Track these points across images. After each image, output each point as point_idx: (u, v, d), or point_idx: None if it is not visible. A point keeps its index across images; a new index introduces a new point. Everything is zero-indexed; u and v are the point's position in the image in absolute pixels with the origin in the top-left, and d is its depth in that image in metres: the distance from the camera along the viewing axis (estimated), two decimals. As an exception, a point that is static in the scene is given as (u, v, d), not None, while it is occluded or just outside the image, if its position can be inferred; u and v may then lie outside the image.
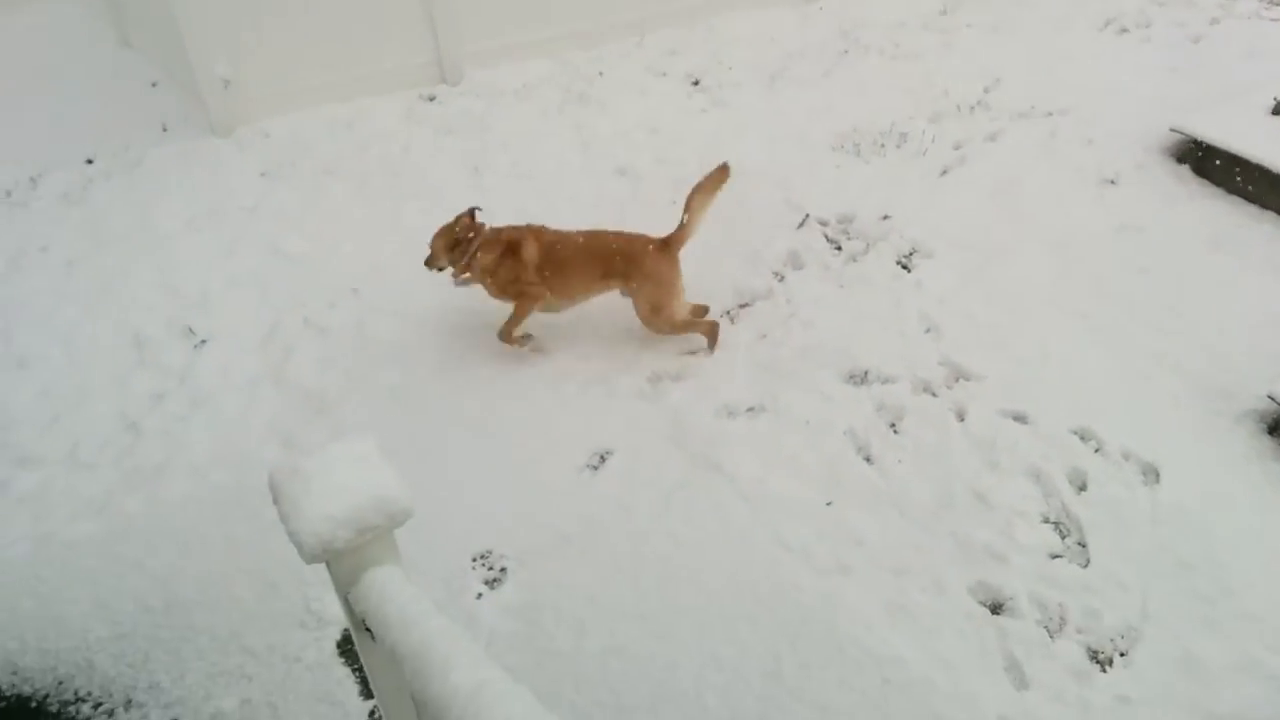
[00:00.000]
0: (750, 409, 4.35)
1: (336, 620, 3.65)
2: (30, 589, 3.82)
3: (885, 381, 4.36)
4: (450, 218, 4.75)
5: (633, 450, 4.24)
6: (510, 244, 4.66)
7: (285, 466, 1.93)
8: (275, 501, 1.92)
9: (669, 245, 4.55)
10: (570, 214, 5.64)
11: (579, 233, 4.72)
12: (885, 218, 5.29)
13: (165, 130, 6.71)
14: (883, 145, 5.88)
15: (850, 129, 6.04)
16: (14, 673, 3.57)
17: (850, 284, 4.93)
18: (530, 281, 4.66)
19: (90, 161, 6.45)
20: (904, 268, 5.00)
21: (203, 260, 5.53)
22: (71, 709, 3.44)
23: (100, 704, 3.45)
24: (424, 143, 6.46)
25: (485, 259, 4.67)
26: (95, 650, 3.61)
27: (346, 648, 3.57)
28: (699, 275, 5.08)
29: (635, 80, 6.92)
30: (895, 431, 4.14)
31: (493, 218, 5.64)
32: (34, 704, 3.47)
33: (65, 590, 3.80)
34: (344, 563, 1.94)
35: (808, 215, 5.35)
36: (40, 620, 3.72)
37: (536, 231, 4.72)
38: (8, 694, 3.51)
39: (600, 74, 6.99)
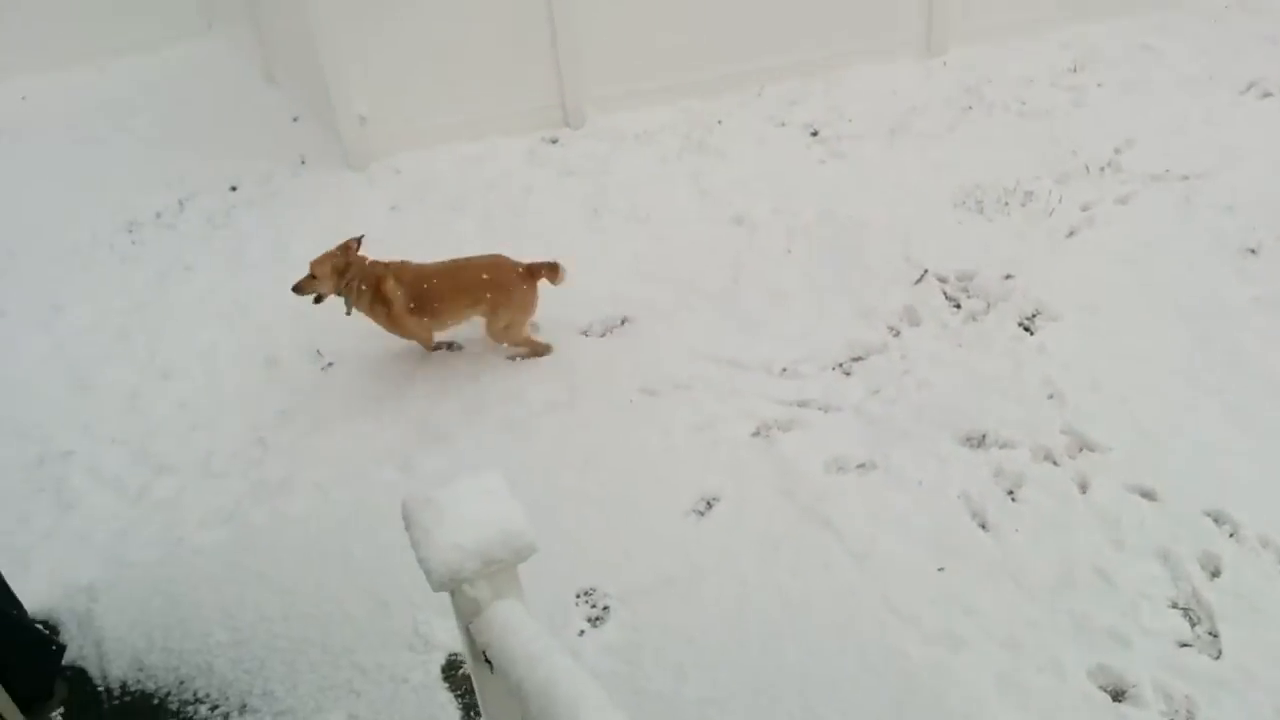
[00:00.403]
0: (861, 465, 4.31)
1: (442, 645, 3.73)
2: (160, 590, 4.01)
3: (1004, 446, 4.26)
4: (333, 245, 4.93)
5: (740, 498, 4.23)
6: (377, 280, 4.90)
7: (419, 496, 2.01)
8: (407, 528, 2.00)
9: (532, 274, 4.95)
10: (685, 259, 5.74)
11: (442, 265, 5.00)
12: (1008, 277, 5.20)
13: (303, 162, 7.05)
14: (1007, 203, 5.80)
15: (973, 185, 5.97)
16: (140, 669, 3.74)
17: (969, 343, 4.85)
18: (404, 315, 4.93)
19: (234, 188, 6.82)
20: (1026, 330, 4.90)
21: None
22: (190, 709, 3.59)
23: (217, 706, 3.59)
24: (546, 183, 6.64)
25: (365, 293, 4.91)
26: (215, 654, 3.76)
27: (450, 673, 3.64)
28: (807, 325, 5.09)
29: (754, 129, 6.99)
30: (1013, 499, 4.04)
31: (611, 259, 5.79)
32: (156, 701, 3.63)
33: (191, 594, 3.98)
34: (469, 593, 2.00)
35: (926, 271, 5.30)
36: (167, 621, 3.89)
37: (397, 269, 4.95)
38: (132, 689, 3.68)
39: (719, 122, 7.09)
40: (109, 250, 6.34)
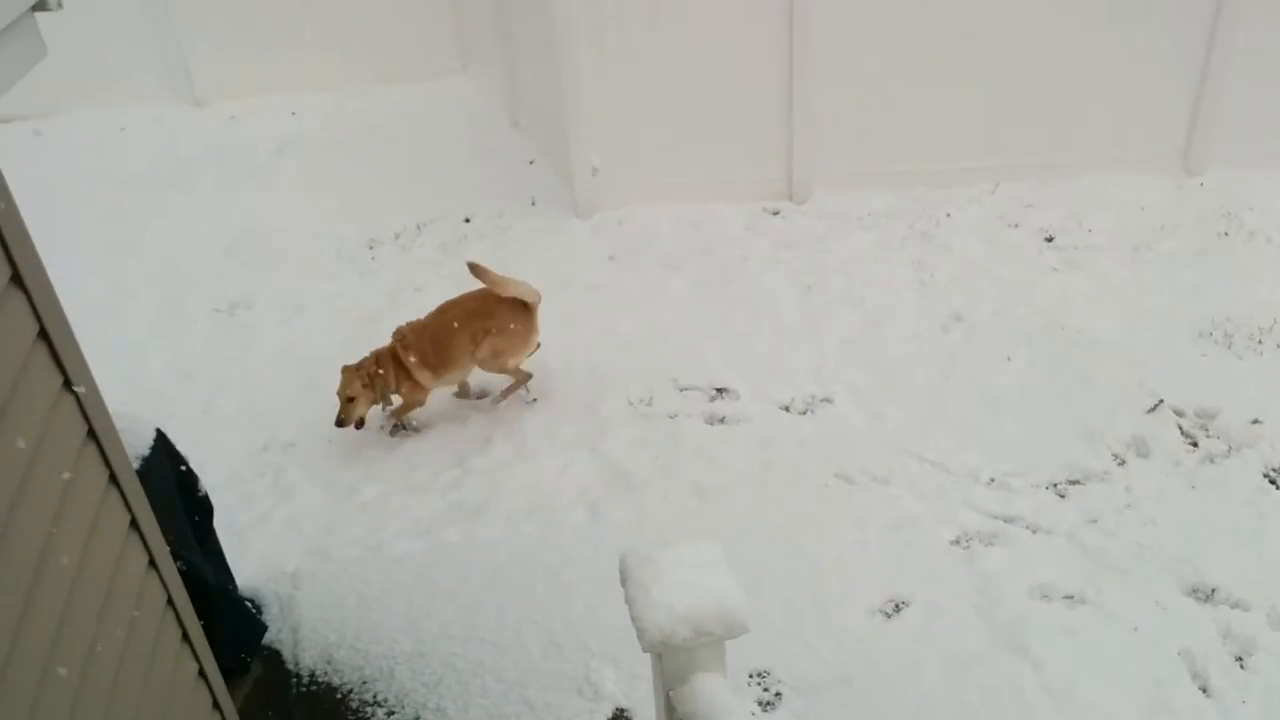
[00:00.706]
0: (1069, 596, 4.04)
1: (611, 697, 3.72)
2: (356, 590, 4.19)
3: (1235, 606, 3.90)
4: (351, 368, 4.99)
5: (932, 606, 4.05)
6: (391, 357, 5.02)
7: (638, 553, 2.02)
8: (623, 582, 2.00)
9: (529, 308, 5.16)
10: (897, 349, 5.62)
11: (432, 314, 5.18)
12: (1255, 422, 4.80)
13: (534, 204, 7.36)
14: (1260, 342, 5.38)
15: (1223, 317, 5.58)
16: (328, 662, 3.91)
17: (1204, 487, 4.50)
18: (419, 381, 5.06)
19: (468, 220, 7.19)
20: (1273, 483, 4.50)
21: (544, 326, 5.93)
22: (369, 709, 3.71)
23: (393, 712, 3.70)
24: (762, 254, 6.67)
25: (392, 376, 5.00)
26: (398, 661, 3.88)
27: (615, 728, 3.62)
28: (1022, 438, 4.87)
29: (984, 227, 6.80)
30: (1242, 666, 3.68)
31: (819, 338, 5.74)
32: (339, 695, 3.78)
33: (383, 600, 4.14)
34: (675, 659, 1.98)
35: (1161, 401, 4.97)
36: (358, 621, 4.06)
37: (400, 337, 5.07)
38: (320, 680, 3.84)
39: (948, 215, 6.94)
40: (350, 263, 6.79)
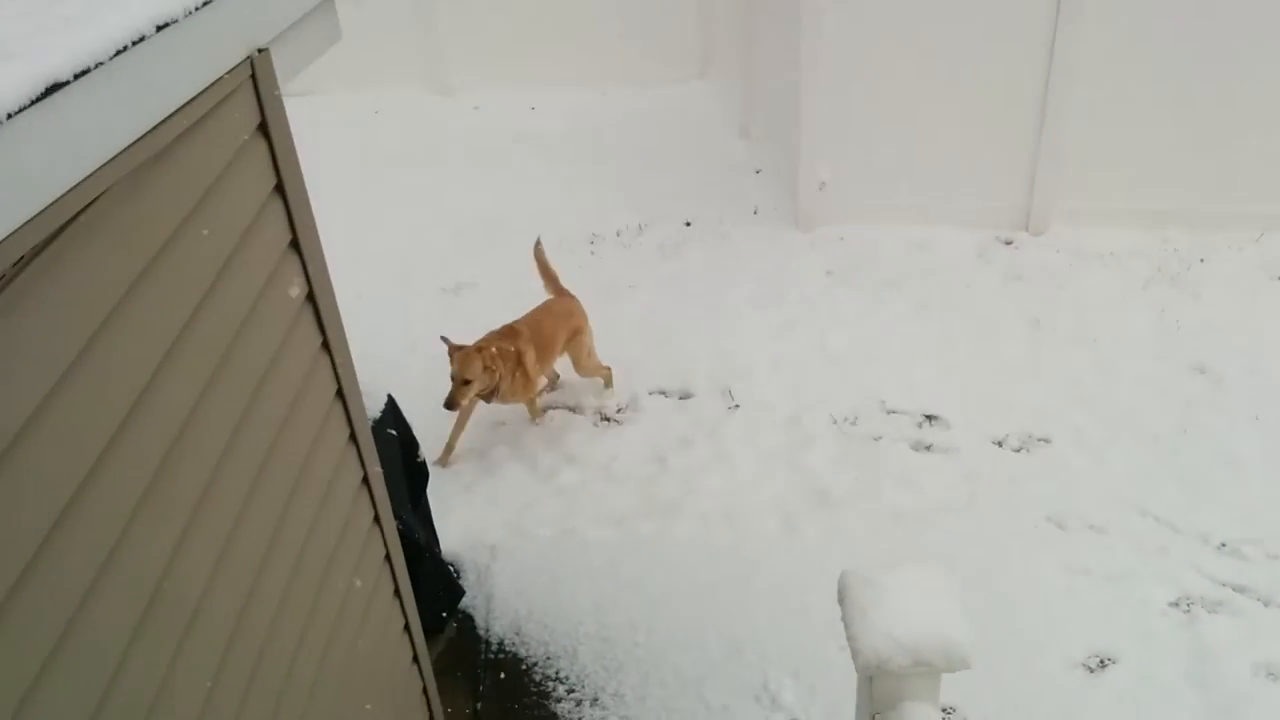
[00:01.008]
0: (1303, 681, 3.67)
1: (788, 707, 3.69)
2: (547, 569, 4.35)
3: None
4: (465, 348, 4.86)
5: (1140, 668, 3.78)
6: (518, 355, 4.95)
7: (860, 574, 1.98)
8: (840, 601, 1.97)
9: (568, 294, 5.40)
10: (1129, 395, 5.27)
11: (528, 317, 5.23)
12: None
13: (755, 213, 7.37)
14: None
15: None
16: (517, 634, 4.08)
17: None
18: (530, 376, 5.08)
19: (689, 224, 7.29)
20: None
21: (755, 335, 5.96)
22: (550, 685, 3.85)
23: (573, 690, 3.82)
24: (989, 284, 6.40)
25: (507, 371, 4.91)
26: (581, 642, 4.00)
27: (788, 742, 3.58)
28: (1264, 504, 4.45)
29: (1243, 277, 6.24)
30: None
31: (1043, 375, 5.45)
32: (524, 667, 3.94)
33: (573, 582, 4.27)
34: (887, 685, 1.93)
35: None
36: (547, 599, 4.21)
37: (522, 336, 5.05)
38: (507, 649, 4.01)
39: (1201, 260, 6.42)
40: (571, 255, 7.00)
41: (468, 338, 6.05)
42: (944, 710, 3.61)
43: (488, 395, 4.93)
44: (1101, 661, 3.82)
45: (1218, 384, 5.30)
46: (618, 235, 7.26)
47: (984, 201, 6.87)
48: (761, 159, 8.08)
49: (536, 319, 5.23)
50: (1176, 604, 4.05)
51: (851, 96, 6.65)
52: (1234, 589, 4.10)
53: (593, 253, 7.07)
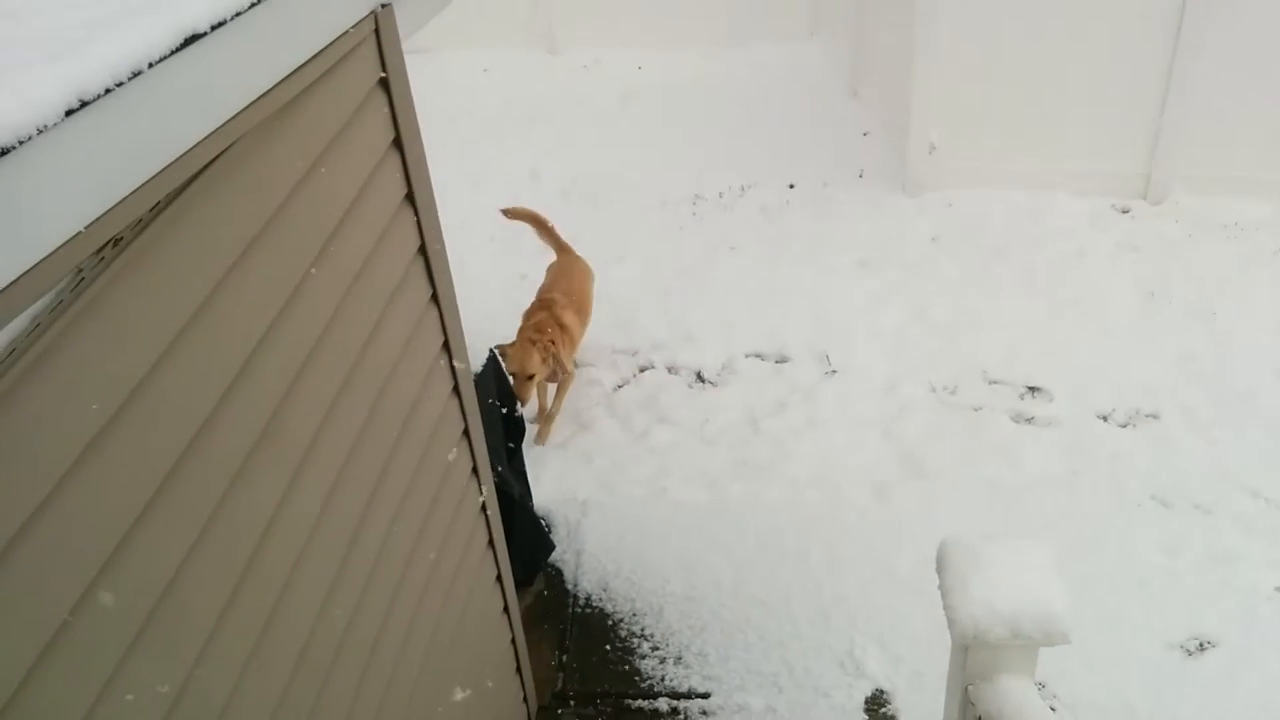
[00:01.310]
0: None
1: (872, 676, 3.69)
2: (637, 526, 4.41)
3: None
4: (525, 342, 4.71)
5: (1242, 653, 3.68)
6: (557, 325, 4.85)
7: (961, 542, 1.97)
8: (939, 569, 1.97)
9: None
10: (1246, 371, 5.06)
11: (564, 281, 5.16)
12: None
13: (861, 176, 7.24)
14: None
15: None
16: (604, 589, 4.16)
17: None
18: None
19: (792, 186, 7.20)
20: None
21: (855, 300, 5.88)
22: (635, 641, 3.92)
23: (657, 648, 3.88)
24: (1102, 252, 6.17)
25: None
26: (668, 601, 4.06)
27: (873, 708, 3.59)
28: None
29: (1377, 251, 5.90)
30: None
31: (1156, 349, 5.27)
32: (610, 622, 4.02)
33: (662, 541, 4.33)
34: (982, 656, 1.92)
35: None
36: (635, 556, 4.28)
37: (560, 302, 4.98)
38: (595, 604, 4.10)
39: (1337, 233, 6.08)
40: (673, 216, 7.02)
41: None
42: (1040, 683, 3.58)
43: (552, 375, 4.95)
44: (1200, 644, 3.72)
45: (1347, 366, 5.04)
46: (720, 196, 7.23)
47: (1100, 167, 6.61)
48: (870, 121, 7.92)
49: (564, 283, 5.24)
50: (1291, 590, 3.90)
51: (965, 57, 6.44)
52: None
53: (694, 213, 7.06)
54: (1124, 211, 6.55)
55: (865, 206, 6.85)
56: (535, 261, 6.55)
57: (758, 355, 5.54)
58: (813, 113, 8.29)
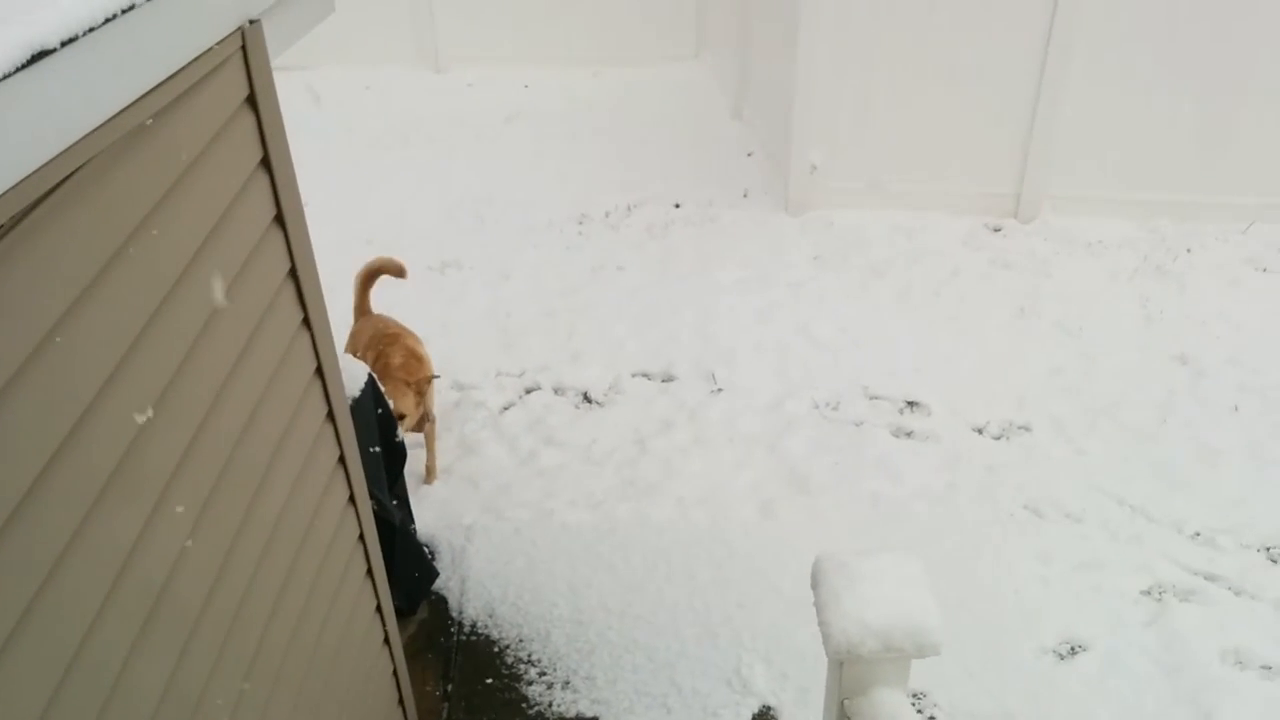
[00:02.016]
0: (1268, 667, 3.74)
1: (759, 693, 3.71)
2: (524, 551, 4.35)
3: None
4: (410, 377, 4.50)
5: (1110, 656, 3.83)
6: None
7: (834, 558, 2.00)
8: (814, 586, 1.99)
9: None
10: (1110, 385, 5.31)
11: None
12: None
13: (745, 196, 7.37)
14: None
15: None
16: (490, 616, 4.08)
17: None
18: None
19: (678, 206, 7.28)
20: None
21: (740, 319, 5.97)
22: (522, 667, 3.86)
23: (544, 673, 3.83)
24: (975, 270, 6.42)
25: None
26: (555, 625, 4.01)
27: (760, 726, 3.61)
28: (1239, 495, 4.50)
29: (1227, 268, 6.29)
30: None
31: (1026, 364, 5.49)
32: (496, 649, 3.94)
33: (548, 564, 4.28)
34: (857, 670, 1.95)
35: None
36: (522, 581, 4.22)
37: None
38: (480, 632, 4.02)
39: (1188, 251, 6.46)
40: (559, 236, 7.01)
41: (451, 316, 6.06)
42: (913, 696, 3.66)
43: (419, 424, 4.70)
44: (1072, 649, 3.87)
45: (1199, 375, 5.35)
46: (606, 216, 7.25)
47: (974, 188, 6.89)
48: (753, 142, 8.07)
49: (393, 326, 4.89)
50: (1149, 592, 4.10)
51: (846, 81, 6.64)
52: (1206, 578, 4.15)
53: (580, 233, 7.06)
54: (996, 230, 6.83)
55: (749, 225, 6.97)
56: (423, 280, 6.46)
57: (644, 375, 5.55)
58: (698, 133, 8.41)
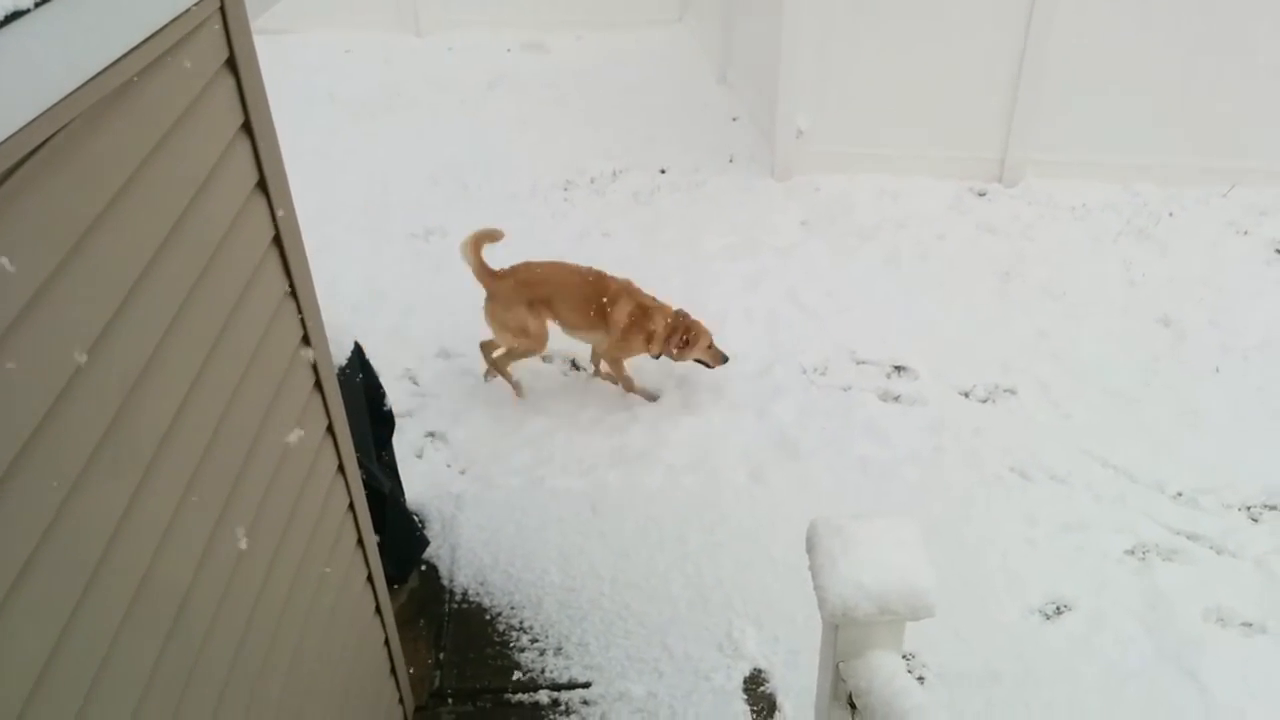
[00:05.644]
0: (1247, 624, 3.79)
1: (750, 656, 3.74)
2: (514, 519, 4.35)
3: None
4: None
5: (1095, 614, 3.87)
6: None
7: (830, 522, 2.00)
8: (809, 550, 1.99)
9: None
10: (1094, 348, 5.34)
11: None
12: None
13: (731, 161, 7.32)
14: None
15: None
16: (481, 583, 4.09)
17: None
18: None
19: (663, 172, 7.23)
20: None
21: (728, 285, 5.95)
22: (514, 634, 3.87)
23: (536, 640, 3.84)
24: (961, 234, 6.42)
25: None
26: (547, 592, 4.02)
27: (751, 687, 3.63)
28: (1220, 455, 4.54)
29: (1208, 231, 6.31)
30: None
31: (1011, 328, 5.51)
32: (488, 616, 3.95)
33: (540, 531, 4.28)
34: (852, 633, 1.96)
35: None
36: (513, 548, 4.22)
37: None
38: (471, 600, 4.02)
39: (1170, 214, 6.48)
40: (543, 203, 6.96)
41: (436, 284, 6.01)
42: (904, 656, 3.69)
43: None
44: (1057, 608, 3.91)
45: (1181, 337, 5.38)
46: (591, 182, 7.20)
47: (959, 152, 6.88)
48: (739, 107, 8.02)
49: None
50: (1132, 552, 4.14)
51: (832, 45, 6.59)
52: (1188, 537, 4.20)
53: (566, 200, 7.01)
54: (981, 195, 6.83)
55: (736, 191, 6.94)
56: (406, 247, 6.41)
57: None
58: (683, 98, 8.34)
